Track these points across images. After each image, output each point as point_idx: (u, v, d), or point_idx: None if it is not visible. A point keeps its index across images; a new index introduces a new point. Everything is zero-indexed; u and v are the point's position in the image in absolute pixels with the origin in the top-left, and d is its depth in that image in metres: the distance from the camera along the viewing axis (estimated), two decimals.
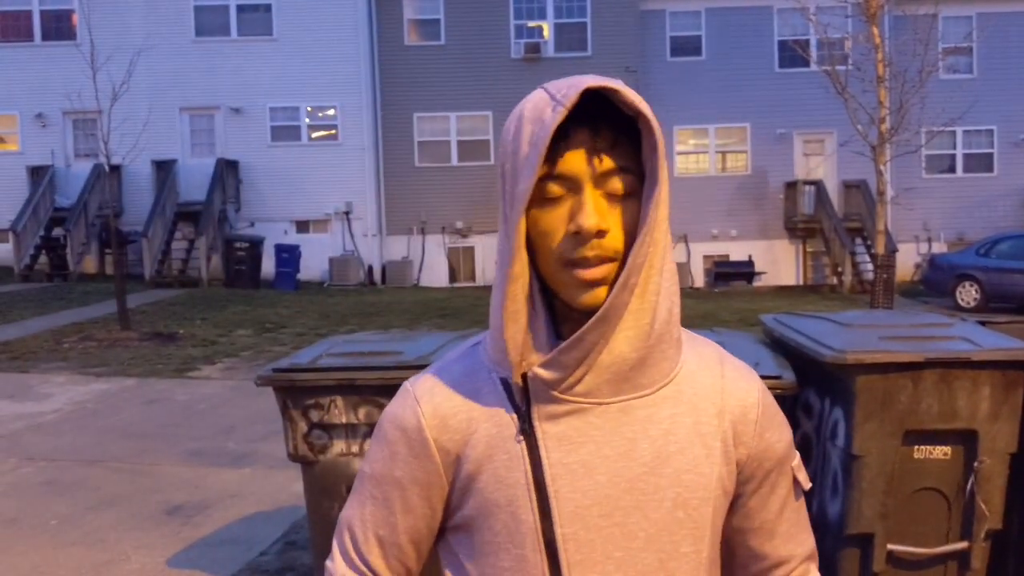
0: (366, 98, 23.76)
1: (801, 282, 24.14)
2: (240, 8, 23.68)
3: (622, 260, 1.07)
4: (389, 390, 4.08)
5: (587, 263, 1.06)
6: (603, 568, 1.11)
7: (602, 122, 1.06)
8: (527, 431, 1.11)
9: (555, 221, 1.07)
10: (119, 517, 6.03)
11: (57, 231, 22.08)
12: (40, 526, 5.87)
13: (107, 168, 15.02)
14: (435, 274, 24.09)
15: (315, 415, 4.16)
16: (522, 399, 1.12)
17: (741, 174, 24.60)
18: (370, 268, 23.82)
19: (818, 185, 23.68)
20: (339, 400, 4.13)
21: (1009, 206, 24.36)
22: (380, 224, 24.15)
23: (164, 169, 22.85)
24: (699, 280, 23.88)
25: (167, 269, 21.97)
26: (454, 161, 24.15)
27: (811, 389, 4.00)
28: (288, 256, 21.54)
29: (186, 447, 7.76)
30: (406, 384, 1.21)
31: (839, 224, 22.64)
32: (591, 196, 1.06)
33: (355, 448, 4.20)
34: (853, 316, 4.45)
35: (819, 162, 24.38)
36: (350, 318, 15.61)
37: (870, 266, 22.91)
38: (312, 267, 22.75)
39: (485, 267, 23.98)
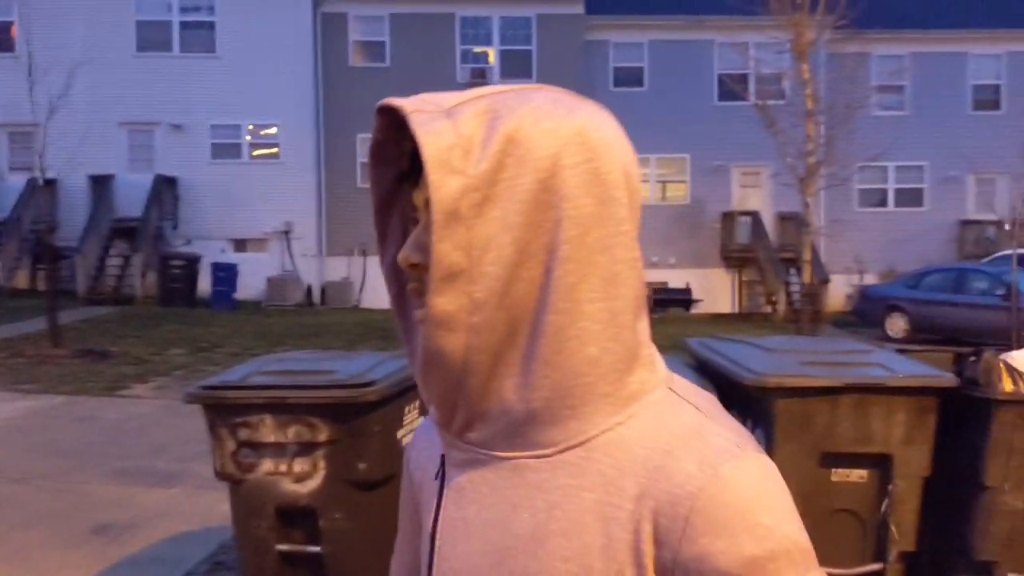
0: (309, 118, 23.68)
1: (736, 310, 24.52)
2: (183, 25, 23.52)
3: None
4: (320, 409, 4.06)
5: (415, 301, 0.90)
6: None
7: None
8: (441, 474, 0.96)
9: None
10: (45, 535, 5.92)
11: None
12: None
13: (41, 182, 14.78)
14: (378, 296, 23.93)
15: (244, 433, 4.13)
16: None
17: (680, 204, 24.97)
18: (309, 288, 23.65)
19: (754, 216, 24.14)
20: (268, 419, 4.10)
21: (938, 240, 25.05)
22: (321, 244, 24.01)
23: (101, 184, 22.51)
24: None
25: (101, 285, 21.59)
26: None
27: (734, 411, 4.10)
28: (225, 275, 21.31)
29: (115, 466, 7.64)
30: None
31: (774, 254, 23.09)
32: (422, 223, 0.91)
33: (283, 467, 4.16)
34: (776, 342, 4.59)
35: (755, 194, 24.86)
36: (287, 339, 15.48)
37: None
38: (250, 286, 22.50)
39: None
